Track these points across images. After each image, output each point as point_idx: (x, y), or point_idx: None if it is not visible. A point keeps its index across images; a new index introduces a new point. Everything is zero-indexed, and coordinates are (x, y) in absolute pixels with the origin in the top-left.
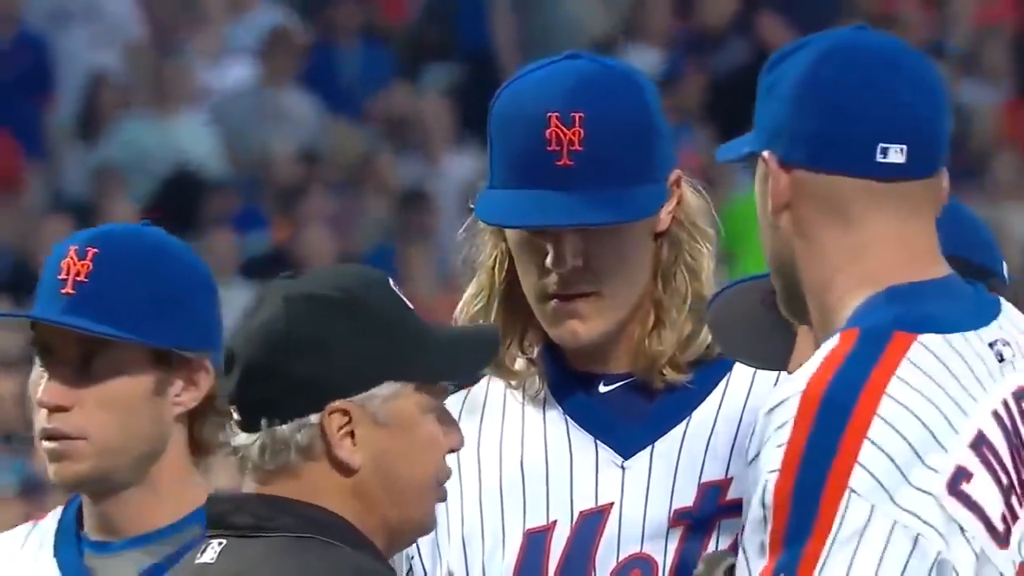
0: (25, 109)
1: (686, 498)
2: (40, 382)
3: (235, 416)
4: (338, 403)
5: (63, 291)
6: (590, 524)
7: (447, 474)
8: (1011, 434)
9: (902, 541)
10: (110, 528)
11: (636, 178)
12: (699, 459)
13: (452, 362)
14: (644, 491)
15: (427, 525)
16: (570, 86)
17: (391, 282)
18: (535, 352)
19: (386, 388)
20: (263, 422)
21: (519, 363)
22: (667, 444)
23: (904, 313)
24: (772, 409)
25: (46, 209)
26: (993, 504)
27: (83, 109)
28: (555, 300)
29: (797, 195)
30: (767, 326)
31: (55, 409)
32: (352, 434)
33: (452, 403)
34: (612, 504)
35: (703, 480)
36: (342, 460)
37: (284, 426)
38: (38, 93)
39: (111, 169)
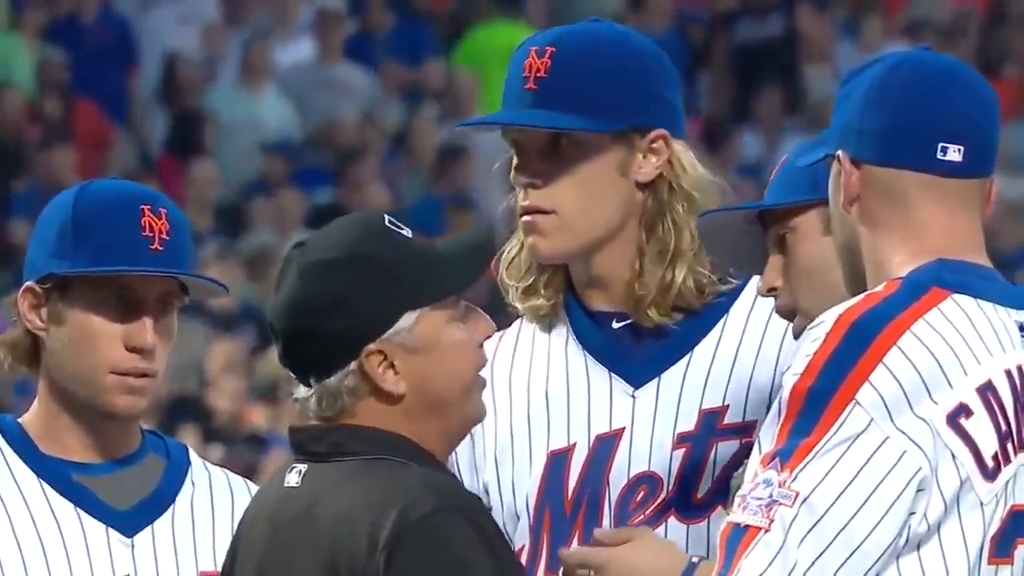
0: (111, 80)
1: (688, 423)
2: (114, 327)
3: (291, 374)
4: (371, 346)
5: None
6: (605, 446)
7: (485, 360)
8: (1019, 393)
9: (889, 454)
10: (100, 451)
11: (595, 110)
12: (700, 389)
13: (454, 276)
14: (652, 417)
15: (478, 415)
16: (555, 30)
17: (386, 220)
18: (560, 298)
19: (405, 320)
20: (312, 380)
21: (545, 308)
22: (672, 376)
23: (946, 276)
24: (811, 328)
25: (130, 168)
26: (987, 442)
27: (164, 80)
28: (524, 216)
29: (866, 188)
30: (745, 236)
31: (149, 351)
32: (393, 366)
33: (488, 344)
34: (624, 428)
35: (703, 407)
36: (389, 391)
37: (331, 378)
38: (123, 66)
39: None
